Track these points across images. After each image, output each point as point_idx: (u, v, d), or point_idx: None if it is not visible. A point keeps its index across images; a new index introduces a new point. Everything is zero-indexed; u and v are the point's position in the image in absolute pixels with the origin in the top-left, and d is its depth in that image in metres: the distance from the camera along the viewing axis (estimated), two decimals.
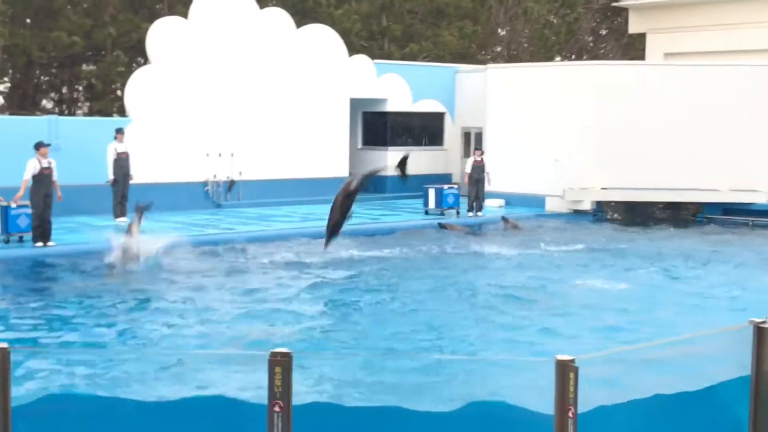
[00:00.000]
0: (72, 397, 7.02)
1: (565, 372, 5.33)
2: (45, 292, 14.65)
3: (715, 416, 6.37)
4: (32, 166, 17.19)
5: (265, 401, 5.29)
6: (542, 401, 5.62)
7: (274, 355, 5.34)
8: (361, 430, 5.78)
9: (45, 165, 17.30)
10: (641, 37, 36.13)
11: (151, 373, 9.80)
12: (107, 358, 10.48)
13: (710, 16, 31.50)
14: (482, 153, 24.59)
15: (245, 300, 13.88)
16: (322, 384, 9.47)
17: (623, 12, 39.29)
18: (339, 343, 11.70)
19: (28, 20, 32.90)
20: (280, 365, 5.32)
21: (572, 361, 5.34)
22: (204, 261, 16.94)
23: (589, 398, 5.54)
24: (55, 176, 17.46)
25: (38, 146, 17.40)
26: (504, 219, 22.63)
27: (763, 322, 6.26)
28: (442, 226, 22.12)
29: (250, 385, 8.03)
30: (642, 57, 35.45)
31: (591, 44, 49.44)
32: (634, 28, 35.41)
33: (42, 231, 17.24)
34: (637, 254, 18.86)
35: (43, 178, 17.23)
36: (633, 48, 43.38)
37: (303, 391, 7.98)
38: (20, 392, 6.77)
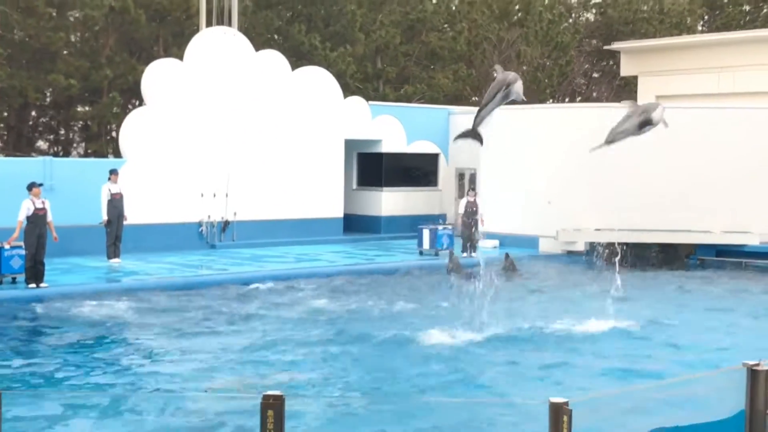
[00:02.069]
0: None
1: (559, 415, 5.31)
2: (40, 334, 14.56)
3: None
4: (26, 207, 17.22)
5: None
6: None
7: (266, 398, 5.32)
8: None
9: (39, 205, 17.32)
10: (634, 79, 36.39)
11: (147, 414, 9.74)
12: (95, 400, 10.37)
13: (701, 59, 31.75)
14: (476, 194, 24.63)
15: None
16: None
17: (616, 55, 39.60)
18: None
19: (24, 62, 33.03)
20: (272, 408, 5.30)
21: (566, 403, 5.33)
22: None
23: None
24: (50, 217, 17.49)
25: (30, 187, 17.43)
26: (507, 256, 22.36)
27: (757, 365, 6.27)
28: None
29: None
30: (634, 99, 35.62)
31: (584, 87, 49.74)
32: (626, 70, 35.68)
33: (35, 272, 17.20)
34: (631, 296, 18.81)
35: (37, 219, 17.24)
36: (625, 90, 43.62)
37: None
38: None
